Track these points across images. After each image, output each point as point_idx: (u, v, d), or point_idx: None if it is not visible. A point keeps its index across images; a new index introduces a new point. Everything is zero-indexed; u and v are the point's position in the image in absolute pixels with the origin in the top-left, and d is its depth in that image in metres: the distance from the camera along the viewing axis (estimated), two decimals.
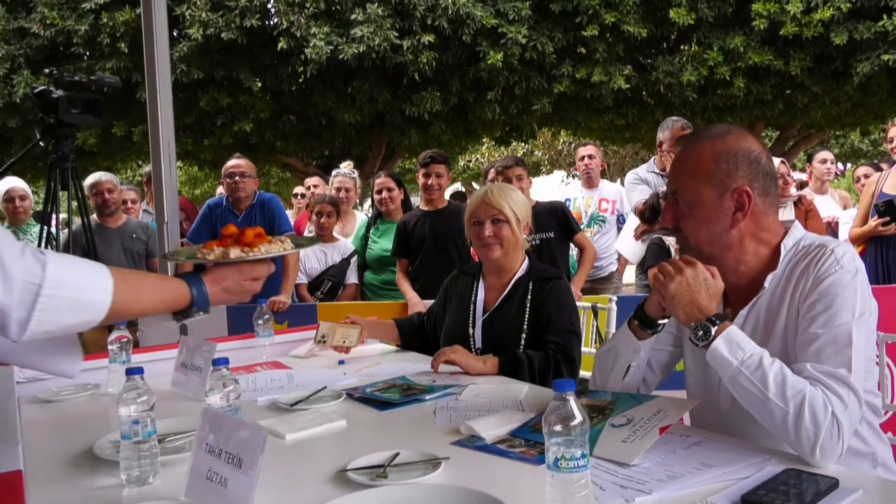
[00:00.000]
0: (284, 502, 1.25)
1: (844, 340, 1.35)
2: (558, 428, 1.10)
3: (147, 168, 5.73)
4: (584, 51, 8.39)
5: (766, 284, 1.51)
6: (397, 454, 1.42)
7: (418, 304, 3.77)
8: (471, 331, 2.48)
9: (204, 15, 7.95)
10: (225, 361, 1.54)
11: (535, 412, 1.68)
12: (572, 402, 1.11)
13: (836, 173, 9.50)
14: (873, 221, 3.88)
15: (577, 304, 3.03)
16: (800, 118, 9.52)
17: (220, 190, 7.31)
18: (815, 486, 1.17)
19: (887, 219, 3.79)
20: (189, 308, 1.35)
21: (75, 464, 1.55)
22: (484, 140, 12.59)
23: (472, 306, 2.52)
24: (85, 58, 8.71)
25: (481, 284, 2.55)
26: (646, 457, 1.35)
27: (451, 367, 2.20)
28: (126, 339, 2.22)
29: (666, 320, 1.62)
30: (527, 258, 2.53)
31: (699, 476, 1.26)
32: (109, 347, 2.21)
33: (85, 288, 1.20)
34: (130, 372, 1.42)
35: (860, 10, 7.55)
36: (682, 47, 8.75)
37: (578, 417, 1.10)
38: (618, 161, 19.18)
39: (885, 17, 7.37)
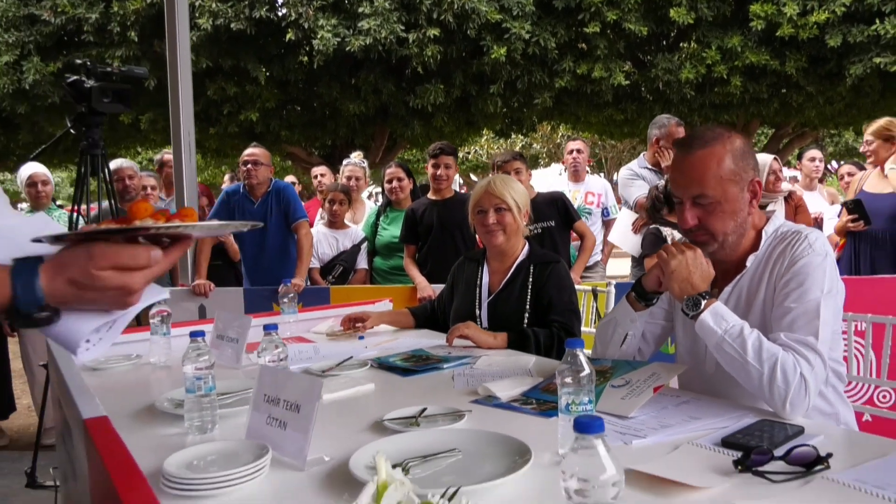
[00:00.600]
0: (331, 446, 1.43)
1: (813, 313, 1.57)
2: (569, 379, 1.32)
3: (158, 156, 5.91)
4: (585, 47, 8.57)
5: (748, 264, 1.74)
6: (425, 408, 1.63)
7: (427, 287, 3.96)
8: (477, 312, 2.68)
9: (214, 5, 8.10)
10: (274, 327, 1.75)
11: (542, 378, 1.90)
12: (581, 357, 1.32)
13: (829, 171, 9.68)
14: (844, 218, 4.11)
15: (579, 287, 3.25)
16: (794, 117, 9.72)
17: (227, 178, 7.51)
18: (784, 432, 1.39)
19: (856, 216, 4.02)
20: (13, 307, 0.90)
21: (138, 417, 1.76)
22: (484, 132, 12.77)
23: (477, 290, 2.72)
24: (94, 46, 8.83)
25: (485, 269, 2.75)
26: (641, 411, 1.56)
27: (465, 341, 2.41)
28: (167, 314, 2.43)
29: (659, 295, 1.83)
30: (527, 244, 2.72)
31: (687, 426, 1.48)
32: (151, 321, 2.41)
33: None
34: (193, 335, 1.63)
35: (854, 13, 7.74)
36: (681, 45, 8.94)
37: (587, 370, 1.31)
38: (615, 155, 19.41)
39: (877, 21, 7.56)
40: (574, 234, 4.34)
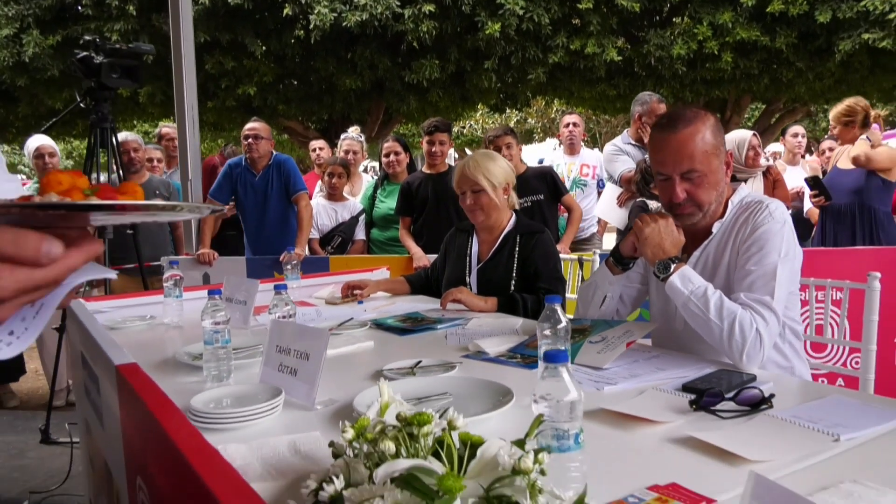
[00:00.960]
0: (336, 391, 1.61)
1: (770, 275, 1.75)
2: (548, 331, 1.50)
3: (156, 130, 6.04)
4: (578, 23, 8.66)
5: (714, 230, 1.91)
6: (420, 361, 1.81)
7: (422, 257, 4.13)
8: (467, 279, 2.86)
9: None
10: (284, 287, 1.92)
11: (527, 336, 2.07)
12: (559, 311, 1.50)
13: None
14: (808, 194, 4.29)
15: (566, 257, 3.42)
16: (784, 92, 9.84)
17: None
18: (739, 378, 1.57)
19: (816, 192, 4.19)
20: None
21: (158, 368, 1.93)
22: (479, 107, 12.86)
23: (467, 258, 2.89)
24: (92, 19, 8.88)
25: (475, 239, 2.91)
26: (615, 363, 1.74)
27: (458, 304, 2.59)
28: (179, 277, 2.59)
29: (634, 260, 2.01)
30: (514, 215, 2.88)
31: (654, 375, 1.66)
32: (165, 284, 2.58)
33: None
34: (211, 293, 1.80)
35: None
36: (673, 20, 9.03)
37: (563, 322, 1.49)
38: (610, 130, 19.51)
39: None
40: (563, 208, 4.50)
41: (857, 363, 3.98)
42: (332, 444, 0.92)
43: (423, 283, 3.10)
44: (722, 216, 1.93)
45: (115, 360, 1.65)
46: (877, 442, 1.23)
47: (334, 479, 0.82)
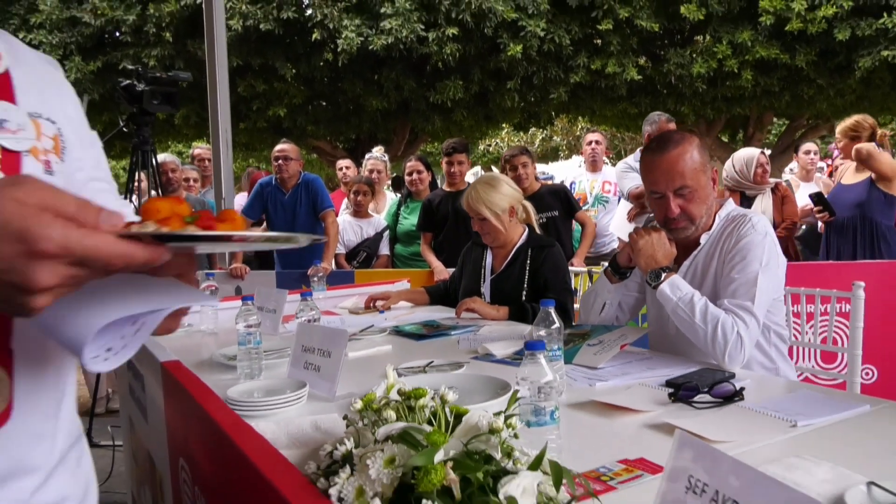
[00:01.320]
0: (355, 388, 1.79)
1: (752, 282, 1.90)
2: (543, 332, 1.67)
3: (190, 151, 6.33)
4: (599, 43, 8.87)
5: (702, 242, 2.08)
6: (432, 361, 2.00)
7: (443, 271, 4.31)
8: (482, 289, 3.04)
9: (244, 7, 8.53)
10: (309, 294, 2.12)
11: None
12: (552, 313, 1.67)
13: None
14: (814, 210, 4.37)
15: (578, 269, 3.58)
16: (806, 109, 9.92)
17: (250, 170, 7.92)
18: (721, 375, 1.72)
19: (820, 208, 4.27)
20: None
21: (197, 367, 2.12)
22: (503, 126, 13.09)
23: (482, 270, 3.08)
24: (131, 46, 9.29)
25: (489, 253, 3.10)
26: (609, 364, 1.91)
27: (471, 313, 2.77)
28: (215, 288, 2.81)
29: (631, 269, 2.18)
30: (526, 229, 3.05)
31: (643, 373, 1.82)
32: None
33: None
34: (245, 299, 2.00)
35: (862, 7, 7.95)
36: (695, 39, 9.18)
37: (556, 324, 1.66)
38: (634, 147, 19.61)
39: (885, 14, 7.76)
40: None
41: (867, 373, 4.07)
42: (345, 417, 1.11)
43: (441, 294, 3.29)
44: (709, 229, 2.09)
45: (160, 358, 1.86)
46: (830, 428, 1.38)
47: (346, 441, 1.00)
